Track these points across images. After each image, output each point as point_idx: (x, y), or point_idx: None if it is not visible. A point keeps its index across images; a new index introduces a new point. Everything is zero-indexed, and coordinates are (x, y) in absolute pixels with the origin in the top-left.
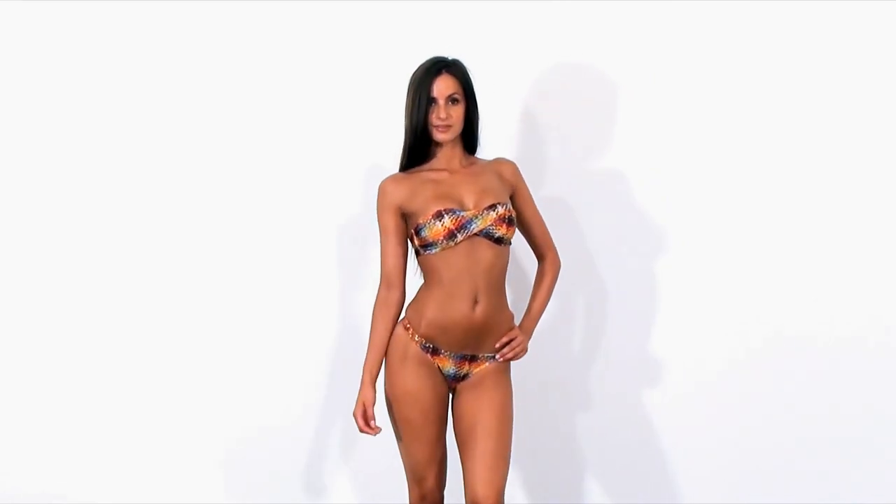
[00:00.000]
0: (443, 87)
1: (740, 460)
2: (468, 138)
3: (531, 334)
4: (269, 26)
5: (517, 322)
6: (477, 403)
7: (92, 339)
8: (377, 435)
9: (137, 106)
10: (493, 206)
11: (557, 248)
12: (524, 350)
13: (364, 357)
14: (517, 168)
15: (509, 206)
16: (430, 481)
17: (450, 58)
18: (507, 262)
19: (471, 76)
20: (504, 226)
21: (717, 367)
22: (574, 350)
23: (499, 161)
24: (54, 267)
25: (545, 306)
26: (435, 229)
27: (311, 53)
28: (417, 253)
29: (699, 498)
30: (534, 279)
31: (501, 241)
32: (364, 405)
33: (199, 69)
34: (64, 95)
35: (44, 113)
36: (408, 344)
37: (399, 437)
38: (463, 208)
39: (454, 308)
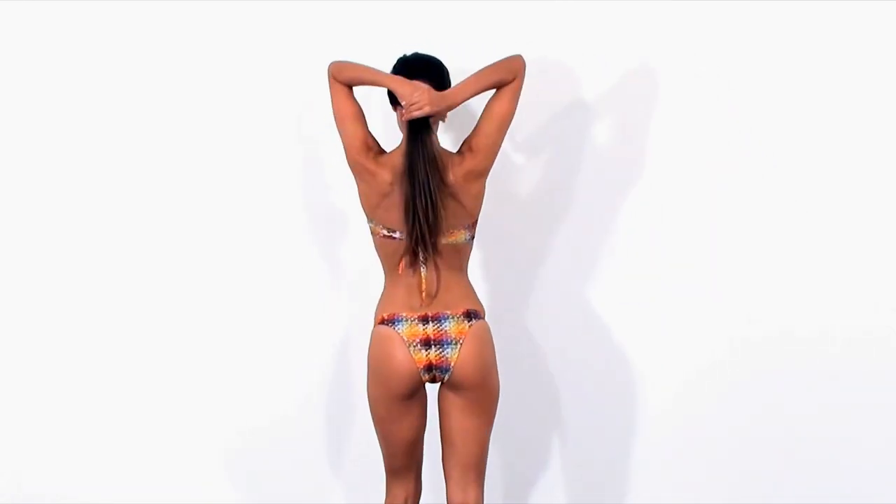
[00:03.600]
0: None
1: (727, 460)
2: None
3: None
4: (257, 24)
5: None
6: None
7: (91, 338)
8: None
9: (124, 106)
10: None
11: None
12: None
13: None
14: None
15: None
16: None
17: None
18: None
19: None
20: None
21: (702, 367)
22: (553, 348)
23: None
24: (51, 268)
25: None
26: None
27: (299, 51)
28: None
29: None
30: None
31: None
32: None
33: (193, 69)
34: (42, 95)
35: (26, 111)
36: None
37: None
38: None
39: None
